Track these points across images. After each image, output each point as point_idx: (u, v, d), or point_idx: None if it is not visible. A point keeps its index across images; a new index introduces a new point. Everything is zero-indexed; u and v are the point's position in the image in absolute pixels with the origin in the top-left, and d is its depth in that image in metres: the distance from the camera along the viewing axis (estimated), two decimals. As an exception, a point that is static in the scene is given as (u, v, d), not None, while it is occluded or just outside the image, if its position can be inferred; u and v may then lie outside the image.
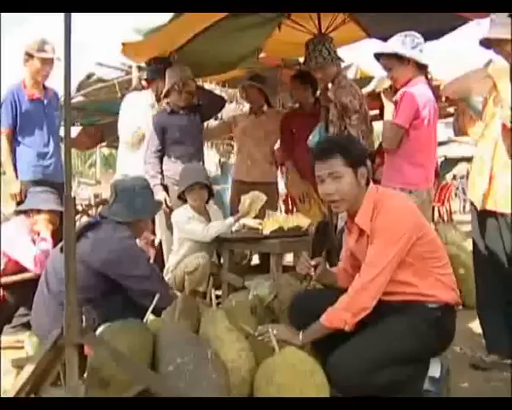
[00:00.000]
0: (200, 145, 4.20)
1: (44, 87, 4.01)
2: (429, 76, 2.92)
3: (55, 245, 3.11)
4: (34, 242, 3.27)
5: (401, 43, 2.82)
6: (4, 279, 3.12)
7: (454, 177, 16.36)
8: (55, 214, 3.37)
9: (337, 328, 1.98)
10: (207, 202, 3.64)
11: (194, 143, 4.03)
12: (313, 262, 2.31)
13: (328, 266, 2.48)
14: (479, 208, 2.65)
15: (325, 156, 2.09)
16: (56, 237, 3.26)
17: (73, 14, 1.65)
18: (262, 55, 4.73)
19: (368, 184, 2.12)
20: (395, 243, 1.97)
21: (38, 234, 3.29)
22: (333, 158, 2.06)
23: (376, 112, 4.52)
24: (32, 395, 1.73)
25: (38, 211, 3.34)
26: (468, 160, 8.48)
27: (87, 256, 2.48)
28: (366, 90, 5.93)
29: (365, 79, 6.07)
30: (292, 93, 4.48)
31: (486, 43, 2.55)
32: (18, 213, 3.41)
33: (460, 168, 16.50)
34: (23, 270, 3.18)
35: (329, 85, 3.60)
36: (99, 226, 2.63)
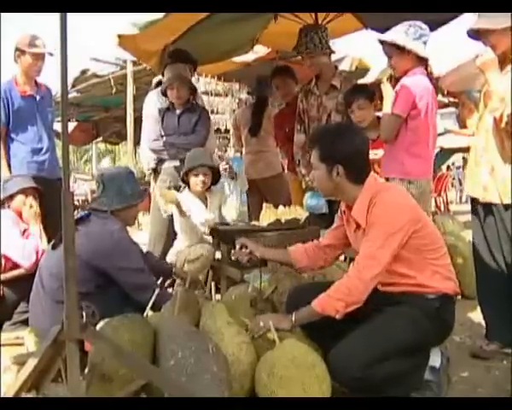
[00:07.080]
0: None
1: (36, 83, 3.96)
2: (429, 68, 2.90)
3: (49, 240, 3.09)
4: (24, 233, 3.24)
5: (404, 33, 2.80)
6: (3, 275, 3.10)
7: (448, 167, 16.36)
8: (27, 193, 3.34)
9: (328, 315, 1.99)
10: (209, 188, 3.62)
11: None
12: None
13: None
14: (477, 199, 2.65)
15: (310, 147, 2.29)
16: (51, 229, 3.24)
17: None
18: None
19: (365, 179, 2.11)
20: (390, 236, 1.96)
21: (26, 229, 3.27)
22: (313, 149, 2.18)
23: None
24: (34, 392, 1.72)
25: (11, 197, 3.32)
26: (464, 150, 8.47)
27: (79, 250, 2.46)
28: (366, 80, 5.93)
29: (361, 71, 6.08)
30: (277, 86, 4.41)
31: (474, 34, 2.53)
32: None
33: (455, 158, 16.49)
34: (18, 266, 3.16)
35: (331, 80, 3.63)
36: (89, 220, 2.61)
